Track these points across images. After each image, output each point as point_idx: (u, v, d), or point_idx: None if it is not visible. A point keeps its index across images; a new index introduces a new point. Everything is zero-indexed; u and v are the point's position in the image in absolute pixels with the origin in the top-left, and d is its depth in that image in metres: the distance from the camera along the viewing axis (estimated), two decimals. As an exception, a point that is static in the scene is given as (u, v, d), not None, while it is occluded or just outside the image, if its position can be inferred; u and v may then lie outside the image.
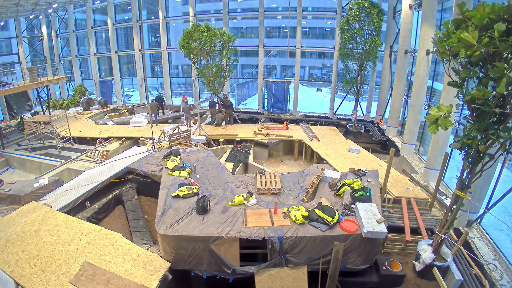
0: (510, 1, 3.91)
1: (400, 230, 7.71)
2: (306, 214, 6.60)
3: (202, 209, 6.84)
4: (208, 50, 14.92)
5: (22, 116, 16.76)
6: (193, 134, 13.88)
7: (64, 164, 11.80)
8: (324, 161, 11.07)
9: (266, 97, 20.19)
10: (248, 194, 7.53)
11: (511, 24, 3.98)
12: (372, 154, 11.94)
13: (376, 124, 16.90)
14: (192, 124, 15.97)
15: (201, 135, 13.79)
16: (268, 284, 6.24)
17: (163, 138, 13.53)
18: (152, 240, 7.79)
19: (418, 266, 6.34)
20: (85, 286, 5.31)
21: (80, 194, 8.65)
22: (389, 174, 7.98)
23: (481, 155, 4.96)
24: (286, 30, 19.25)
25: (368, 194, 7.40)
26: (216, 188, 8.39)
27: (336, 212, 6.56)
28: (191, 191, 7.62)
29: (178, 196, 7.48)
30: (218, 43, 15.12)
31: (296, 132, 14.32)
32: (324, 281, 6.44)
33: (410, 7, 13.05)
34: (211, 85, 15.72)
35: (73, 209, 8.30)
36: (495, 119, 4.62)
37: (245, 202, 7.38)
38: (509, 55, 4.23)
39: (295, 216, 6.53)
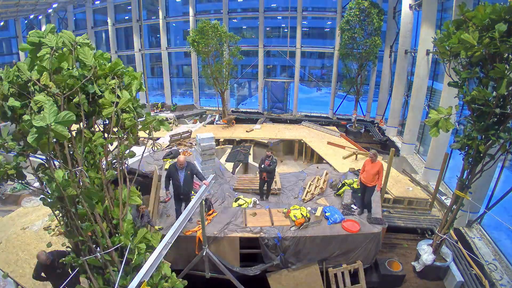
0: (511, 1, 3.91)
1: (400, 230, 7.71)
2: (309, 215, 6.60)
3: (208, 209, 6.86)
4: (213, 49, 14.87)
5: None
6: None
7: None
8: (324, 161, 11.07)
9: (266, 97, 20.19)
10: (249, 195, 7.53)
11: (512, 24, 3.98)
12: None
13: (376, 124, 16.90)
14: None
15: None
16: (282, 283, 6.24)
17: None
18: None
19: (418, 267, 6.33)
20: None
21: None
22: (389, 174, 7.98)
23: (481, 155, 4.96)
24: (286, 30, 19.22)
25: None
26: (216, 189, 8.39)
27: None
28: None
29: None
30: (220, 42, 15.11)
31: (296, 132, 14.33)
32: (326, 281, 6.44)
33: (410, 7, 13.04)
34: (217, 84, 15.63)
35: (73, 209, 8.29)
36: (496, 119, 4.62)
37: (246, 202, 7.39)
38: (510, 55, 4.23)
39: (294, 216, 6.53)
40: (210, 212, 6.83)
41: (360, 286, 6.22)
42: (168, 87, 21.95)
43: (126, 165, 3.41)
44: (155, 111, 19.09)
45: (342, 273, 6.27)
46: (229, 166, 11.02)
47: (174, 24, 21.97)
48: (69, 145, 2.86)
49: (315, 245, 6.25)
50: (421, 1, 11.63)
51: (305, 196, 7.97)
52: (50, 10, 21.82)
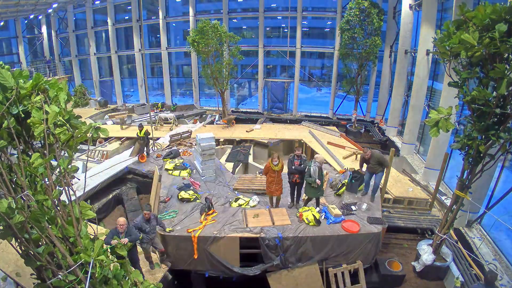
0: (511, 1, 3.91)
1: (400, 230, 7.71)
2: (318, 215, 6.61)
3: (208, 208, 6.85)
4: (213, 49, 14.84)
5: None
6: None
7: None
8: (324, 161, 11.06)
9: (266, 97, 20.18)
10: (248, 194, 7.53)
11: (512, 24, 3.98)
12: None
13: (376, 124, 16.90)
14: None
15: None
16: (282, 283, 6.24)
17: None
18: (152, 240, 7.78)
19: (418, 267, 6.33)
20: (85, 286, 5.29)
21: (80, 194, 8.63)
22: (389, 174, 7.98)
23: (481, 155, 4.96)
24: (286, 30, 19.22)
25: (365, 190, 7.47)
26: (216, 189, 8.39)
27: None
28: (194, 196, 7.57)
29: (184, 199, 7.41)
30: (220, 42, 15.09)
31: (296, 132, 14.32)
32: (326, 281, 6.44)
33: (410, 7, 13.04)
34: (217, 84, 15.60)
35: (73, 209, 8.28)
36: (496, 119, 4.62)
37: (246, 202, 7.38)
38: (510, 55, 4.23)
39: (307, 218, 6.53)
40: (210, 212, 6.83)
41: (360, 286, 6.22)
42: (168, 87, 21.95)
43: (74, 177, 3.34)
44: (155, 111, 19.08)
45: (342, 273, 6.28)
46: (229, 166, 11.02)
47: (174, 24, 21.96)
48: (11, 173, 2.77)
49: (315, 245, 6.25)
50: (421, 1, 11.63)
51: (305, 196, 7.95)
52: (50, 10, 21.82)
